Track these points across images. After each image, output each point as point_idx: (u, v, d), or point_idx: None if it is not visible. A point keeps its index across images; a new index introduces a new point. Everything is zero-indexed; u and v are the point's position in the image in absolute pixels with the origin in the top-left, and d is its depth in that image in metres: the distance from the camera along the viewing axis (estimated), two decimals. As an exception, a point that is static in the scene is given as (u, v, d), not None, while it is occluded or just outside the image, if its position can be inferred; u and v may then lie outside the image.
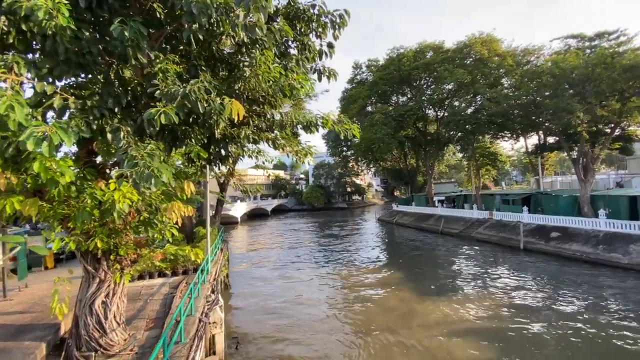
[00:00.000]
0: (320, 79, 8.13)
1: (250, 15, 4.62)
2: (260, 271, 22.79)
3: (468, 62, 38.72)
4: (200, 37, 4.98)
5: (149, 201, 6.79)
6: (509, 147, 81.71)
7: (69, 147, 4.99)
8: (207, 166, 11.98)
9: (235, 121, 5.16)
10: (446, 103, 41.06)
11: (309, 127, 7.18)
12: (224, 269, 16.36)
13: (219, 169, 8.13)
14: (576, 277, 17.97)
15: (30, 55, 5.21)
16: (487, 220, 31.97)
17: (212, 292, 10.99)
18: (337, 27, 6.97)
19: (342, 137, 7.52)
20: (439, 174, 77.61)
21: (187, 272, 12.12)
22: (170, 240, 7.83)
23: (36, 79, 4.36)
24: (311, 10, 6.94)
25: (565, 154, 29.86)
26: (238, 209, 57.88)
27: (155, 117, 4.34)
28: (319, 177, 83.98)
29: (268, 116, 7.28)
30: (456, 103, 40.20)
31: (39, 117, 4.39)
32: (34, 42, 4.55)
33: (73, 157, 6.53)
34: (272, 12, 5.62)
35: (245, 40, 5.29)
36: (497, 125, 32.81)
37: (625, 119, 24.57)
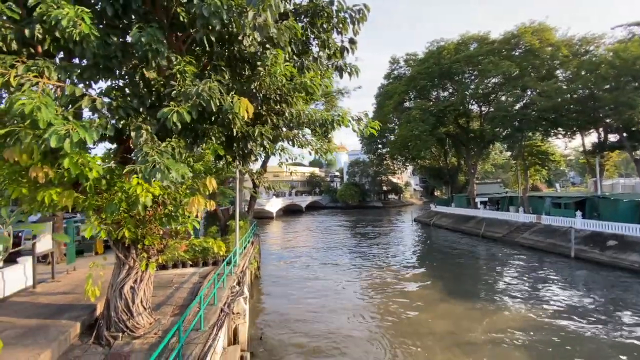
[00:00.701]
0: (341, 76, 8.06)
1: (260, 15, 4.68)
2: (289, 266, 23.21)
3: (517, 53, 35.91)
4: (213, 38, 5.14)
5: (174, 195, 7.21)
6: (563, 145, 75.03)
7: (96, 145, 5.42)
8: (238, 163, 12.44)
9: (246, 118, 5.28)
10: (491, 98, 38.52)
11: (325, 125, 7.16)
12: (253, 262, 16.89)
13: (242, 165, 8.34)
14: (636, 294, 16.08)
15: (72, 60, 5.77)
16: (535, 224, 29.65)
17: (238, 283, 11.40)
18: (356, 22, 6.86)
19: (366, 135, 7.39)
20: (483, 174, 73.34)
21: (217, 263, 12.69)
22: (192, 232, 8.23)
23: (68, 81, 4.79)
24: (330, 7, 6.88)
25: (628, 153, 26.69)
26: (273, 205, 59.36)
27: (169, 116, 4.58)
28: (353, 175, 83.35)
29: (286, 114, 7.35)
30: (502, 98, 37.57)
31: (70, 117, 4.82)
32: (68, 48, 4.99)
33: (111, 154, 7.14)
34: (284, 11, 5.64)
35: (258, 39, 5.37)
36: (548, 121, 30.19)
37: None
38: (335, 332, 12.46)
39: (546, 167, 35.34)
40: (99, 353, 6.23)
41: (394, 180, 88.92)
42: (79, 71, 4.88)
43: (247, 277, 13.74)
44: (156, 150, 4.36)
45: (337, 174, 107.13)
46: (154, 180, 4.16)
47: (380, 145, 52.30)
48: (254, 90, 6.24)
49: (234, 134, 6.42)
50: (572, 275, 19.81)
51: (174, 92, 4.97)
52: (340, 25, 7.09)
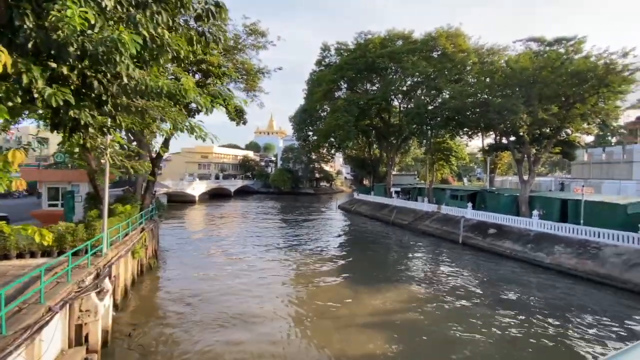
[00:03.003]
0: (201, 19, 7.00)
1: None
2: (194, 255, 21.87)
3: (436, 55, 38.50)
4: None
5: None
6: (472, 144, 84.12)
7: None
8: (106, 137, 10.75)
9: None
10: (411, 95, 40.89)
11: (171, 95, 6.29)
12: (139, 250, 15.32)
13: (68, 138, 7.01)
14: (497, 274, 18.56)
15: None
16: (435, 213, 32.58)
17: (97, 276, 10.04)
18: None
19: (209, 111, 6.68)
20: (404, 166, 78.78)
21: (78, 253, 11.03)
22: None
23: None
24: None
25: (511, 154, 30.62)
26: (196, 188, 55.92)
27: None
28: (287, 161, 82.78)
29: (126, 80, 6.24)
30: (421, 96, 40.16)
31: None
32: None
33: None
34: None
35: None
36: (455, 121, 33.06)
37: (568, 125, 25.32)
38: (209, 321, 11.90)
39: (449, 163, 39.00)
40: None
41: (326, 168, 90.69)
42: None
43: (117, 269, 12.30)
44: None
45: (272, 158, 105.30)
46: None
47: (310, 133, 52.37)
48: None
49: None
50: (459, 259, 22.10)
51: None
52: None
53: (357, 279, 17.04)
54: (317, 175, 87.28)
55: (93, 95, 6.13)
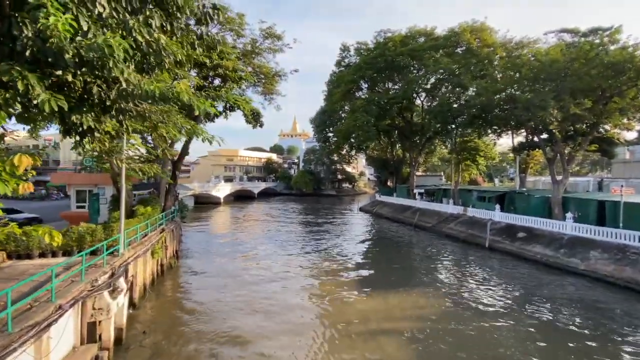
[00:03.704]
0: (202, 22, 7.05)
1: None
2: (216, 255, 22.30)
3: (460, 51, 37.05)
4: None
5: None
6: (504, 143, 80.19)
7: None
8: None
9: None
10: (435, 93, 39.62)
11: (165, 98, 6.32)
12: (158, 251, 15.80)
13: (79, 143, 7.24)
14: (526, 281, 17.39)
15: None
16: (461, 216, 31.29)
17: (112, 275, 10.39)
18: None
19: (201, 112, 6.61)
20: (432, 167, 76.53)
21: (96, 252, 11.50)
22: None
23: None
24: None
25: (543, 152, 28.76)
26: (221, 190, 57.39)
27: None
28: (309, 163, 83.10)
29: (124, 85, 6.35)
30: (447, 94, 38.77)
31: None
32: None
33: None
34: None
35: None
36: (481, 119, 31.58)
37: (606, 120, 23.41)
38: (226, 331, 11.96)
39: (476, 163, 37.30)
40: None
41: (349, 169, 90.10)
42: None
43: (135, 268, 12.71)
44: None
45: (295, 160, 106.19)
46: None
47: (331, 134, 52.20)
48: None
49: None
50: (485, 265, 20.84)
51: None
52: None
53: (376, 288, 16.39)
54: (339, 176, 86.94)
55: (96, 100, 6.32)
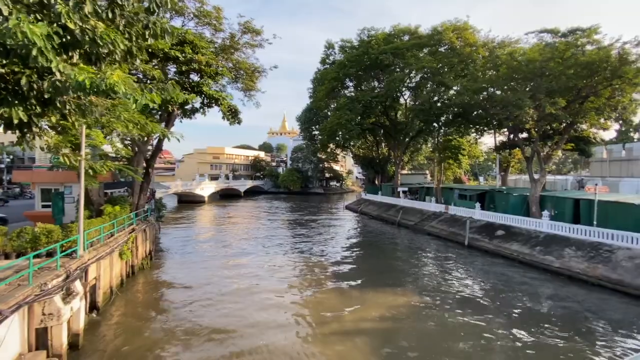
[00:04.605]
0: (150, 10, 6.64)
1: None
2: (194, 254, 21.80)
3: (443, 49, 37.14)
4: None
5: None
6: (491, 142, 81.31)
7: None
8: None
9: None
10: (419, 92, 39.66)
11: (101, 90, 5.88)
12: (127, 252, 15.24)
13: (21, 138, 6.74)
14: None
15: None
16: (443, 214, 31.45)
17: (66, 278, 9.88)
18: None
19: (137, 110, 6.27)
20: (418, 166, 77.01)
21: (52, 254, 10.93)
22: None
23: None
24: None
25: (520, 151, 29.11)
26: (205, 188, 56.50)
27: None
28: (297, 161, 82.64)
29: (58, 76, 5.90)
30: (431, 93, 38.86)
31: None
32: None
33: None
34: None
35: None
36: (462, 118, 31.75)
37: (582, 120, 23.77)
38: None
39: (459, 161, 37.57)
40: None
41: (337, 168, 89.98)
42: None
43: (97, 270, 12.18)
44: None
45: (284, 158, 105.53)
46: None
47: (316, 132, 51.88)
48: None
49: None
50: (462, 263, 20.92)
51: None
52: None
53: (356, 286, 16.26)
54: (326, 175, 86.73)
55: (26, 93, 5.85)
